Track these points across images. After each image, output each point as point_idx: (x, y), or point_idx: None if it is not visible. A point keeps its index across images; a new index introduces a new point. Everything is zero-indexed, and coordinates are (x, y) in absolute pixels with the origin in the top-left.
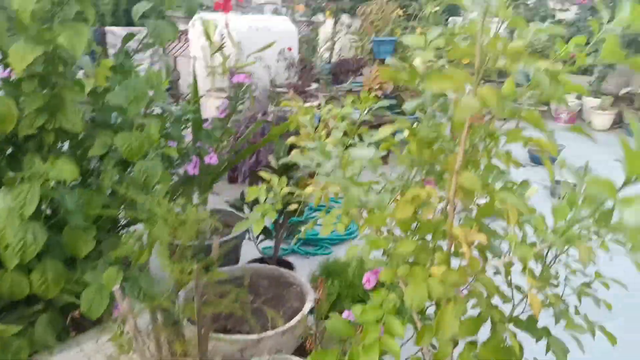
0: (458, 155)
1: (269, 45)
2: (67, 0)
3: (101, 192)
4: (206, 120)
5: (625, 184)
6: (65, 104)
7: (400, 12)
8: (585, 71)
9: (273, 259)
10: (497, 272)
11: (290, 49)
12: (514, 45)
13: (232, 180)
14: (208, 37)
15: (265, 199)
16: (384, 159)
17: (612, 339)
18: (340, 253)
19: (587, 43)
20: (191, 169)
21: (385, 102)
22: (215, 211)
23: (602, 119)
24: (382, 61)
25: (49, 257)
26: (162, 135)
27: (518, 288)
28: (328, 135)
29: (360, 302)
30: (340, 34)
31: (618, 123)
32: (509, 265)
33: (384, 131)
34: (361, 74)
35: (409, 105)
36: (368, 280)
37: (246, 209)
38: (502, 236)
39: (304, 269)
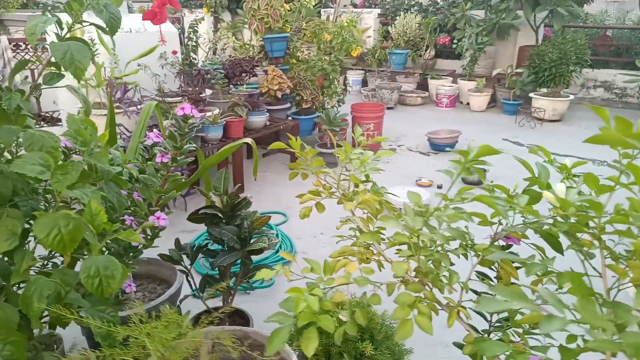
0: None
1: (152, 50)
2: None
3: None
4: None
5: None
6: None
7: (287, 6)
8: (459, 56)
9: (225, 314)
10: None
11: (174, 53)
12: None
13: None
14: None
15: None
16: None
17: None
18: (279, 280)
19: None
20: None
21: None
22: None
23: (478, 100)
24: (276, 60)
25: None
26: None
27: None
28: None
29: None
30: (222, 32)
31: (492, 103)
32: None
33: None
34: (255, 75)
35: None
36: None
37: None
38: None
39: (259, 315)
